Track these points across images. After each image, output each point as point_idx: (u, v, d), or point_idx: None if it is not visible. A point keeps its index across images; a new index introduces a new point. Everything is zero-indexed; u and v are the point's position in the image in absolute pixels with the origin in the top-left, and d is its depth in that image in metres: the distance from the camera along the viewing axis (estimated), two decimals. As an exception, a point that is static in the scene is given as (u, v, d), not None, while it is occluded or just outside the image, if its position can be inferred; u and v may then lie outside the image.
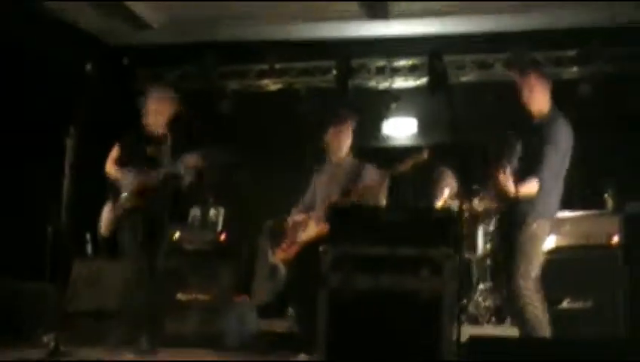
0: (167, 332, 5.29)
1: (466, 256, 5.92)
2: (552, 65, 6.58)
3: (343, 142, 4.75)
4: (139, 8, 6.71)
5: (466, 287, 5.88)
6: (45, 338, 4.32)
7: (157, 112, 4.69)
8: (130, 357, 4.23)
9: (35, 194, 5.88)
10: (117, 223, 4.54)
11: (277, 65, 7.30)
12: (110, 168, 4.65)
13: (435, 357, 3.12)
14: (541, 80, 4.10)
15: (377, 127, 7.42)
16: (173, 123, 4.76)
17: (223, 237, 5.96)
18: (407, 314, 3.23)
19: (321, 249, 3.52)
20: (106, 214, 4.58)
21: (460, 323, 3.22)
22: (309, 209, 4.76)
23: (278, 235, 4.92)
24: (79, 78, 4.90)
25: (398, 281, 3.26)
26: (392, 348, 3.22)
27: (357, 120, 4.87)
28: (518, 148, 4.07)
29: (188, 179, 4.64)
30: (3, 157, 5.80)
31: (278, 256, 4.89)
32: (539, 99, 4.07)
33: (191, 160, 4.49)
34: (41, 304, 5.03)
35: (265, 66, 7.35)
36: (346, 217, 3.52)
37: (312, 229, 4.59)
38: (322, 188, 4.81)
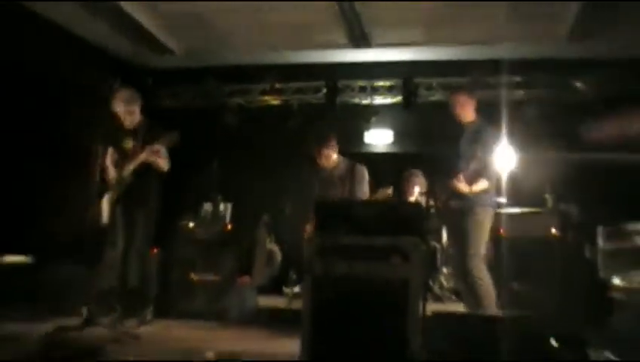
0: (180, 308, 5.40)
1: (434, 244, 6.02)
2: (503, 88, 6.57)
3: (332, 157, 5.01)
4: (163, 37, 6.67)
5: (432, 271, 5.96)
6: (83, 310, 4.37)
7: (128, 111, 4.59)
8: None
9: (75, 195, 5.89)
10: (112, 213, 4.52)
11: (276, 85, 7.33)
12: (106, 167, 4.65)
13: (402, 334, 3.06)
14: (469, 98, 4.43)
15: (360, 137, 7.51)
16: (142, 119, 4.66)
17: (229, 228, 5.97)
18: (379, 296, 3.16)
19: (305, 237, 3.59)
20: (104, 206, 4.57)
21: (425, 303, 3.18)
22: None
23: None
24: (107, 95, 4.95)
25: (372, 267, 3.18)
26: (365, 325, 3.17)
27: (337, 132, 5.05)
28: (467, 154, 4.28)
29: (165, 164, 4.56)
30: (46, 163, 5.78)
31: None
32: (469, 112, 4.40)
33: (162, 143, 4.36)
34: (81, 282, 5.04)
35: (266, 86, 7.38)
36: (328, 210, 3.46)
37: None
38: (325, 192, 4.98)
